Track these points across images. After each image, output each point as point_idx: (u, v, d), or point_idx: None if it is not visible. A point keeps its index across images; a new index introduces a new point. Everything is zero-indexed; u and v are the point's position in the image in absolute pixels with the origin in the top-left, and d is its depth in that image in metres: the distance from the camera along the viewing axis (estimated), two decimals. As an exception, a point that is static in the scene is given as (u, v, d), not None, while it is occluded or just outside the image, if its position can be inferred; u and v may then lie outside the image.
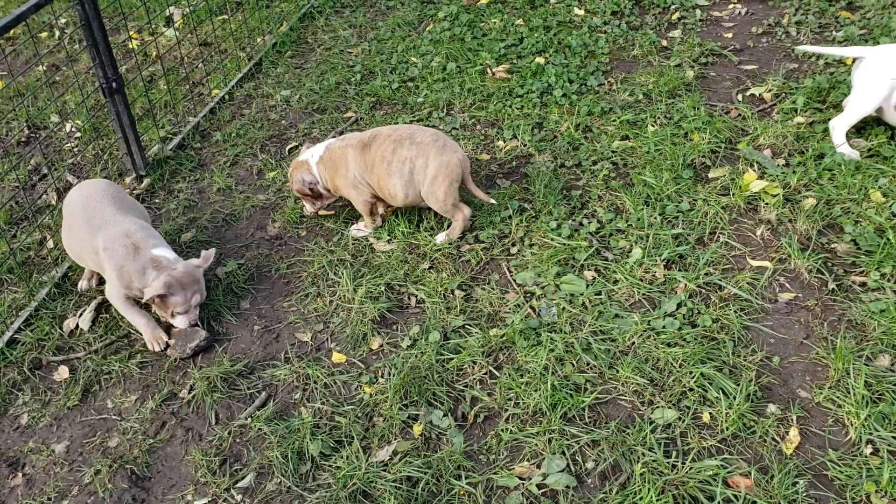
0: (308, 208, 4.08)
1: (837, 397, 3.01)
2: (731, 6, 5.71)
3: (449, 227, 3.89)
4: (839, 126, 4.10)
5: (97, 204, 3.54)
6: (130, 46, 5.95)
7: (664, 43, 5.35)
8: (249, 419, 3.16)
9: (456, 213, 3.83)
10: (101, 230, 3.45)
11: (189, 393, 3.30)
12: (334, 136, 4.15)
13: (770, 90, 4.72)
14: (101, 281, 3.76)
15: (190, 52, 5.87)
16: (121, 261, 3.38)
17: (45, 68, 5.88)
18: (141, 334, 3.53)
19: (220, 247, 4.04)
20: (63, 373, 3.45)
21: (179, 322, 3.45)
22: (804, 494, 2.71)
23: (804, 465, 2.81)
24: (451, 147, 3.73)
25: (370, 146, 3.79)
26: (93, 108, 5.22)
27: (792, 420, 2.96)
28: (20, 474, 3.08)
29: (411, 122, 4.83)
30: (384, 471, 2.91)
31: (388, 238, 3.96)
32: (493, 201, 3.95)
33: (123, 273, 3.39)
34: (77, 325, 3.65)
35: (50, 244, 4.12)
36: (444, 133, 4.00)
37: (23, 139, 5.10)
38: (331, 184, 3.95)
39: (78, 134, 5.08)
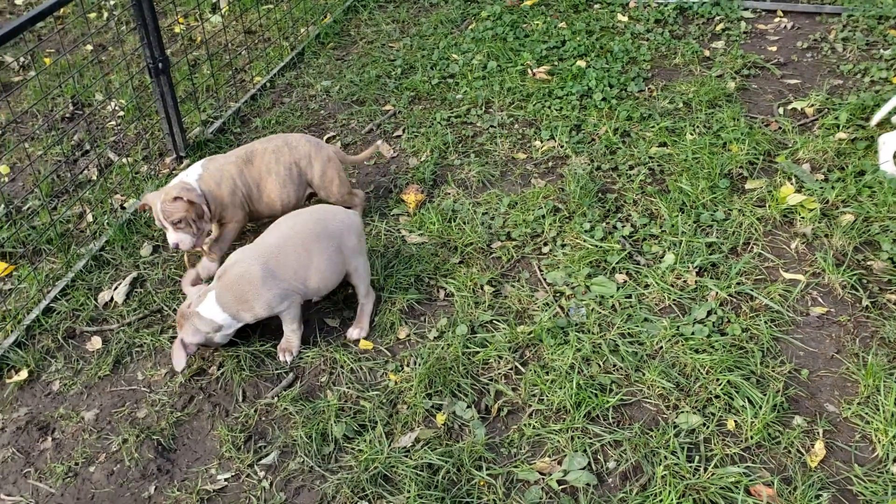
0: (186, 243, 3.56)
1: (866, 413, 2.98)
2: (777, 20, 5.67)
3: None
4: (890, 142, 4.05)
5: None
6: (176, 30, 6.04)
7: (707, 53, 5.32)
8: (276, 398, 3.20)
9: (353, 199, 4.01)
10: None
11: (218, 370, 3.35)
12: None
13: (812, 105, 4.68)
14: None
15: (234, 39, 5.95)
16: None
17: (92, 48, 5.98)
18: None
19: (255, 231, 4.08)
20: (96, 343, 3.51)
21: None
22: (827, 508, 2.69)
23: (828, 479, 2.79)
24: (321, 142, 3.90)
25: (252, 161, 3.74)
26: (136, 89, 5.31)
27: (818, 433, 2.94)
28: (50, 438, 3.14)
29: (449, 118, 4.85)
30: (406, 456, 2.93)
31: (420, 231, 3.98)
32: (384, 149, 4.21)
33: None
34: (112, 298, 3.71)
35: (89, 218, 4.20)
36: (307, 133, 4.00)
37: (67, 115, 5.20)
38: (218, 202, 3.67)
39: (121, 113, 5.17)
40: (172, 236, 3.52)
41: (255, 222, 3.98)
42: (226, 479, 2.93)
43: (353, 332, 3.43)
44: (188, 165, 4.51)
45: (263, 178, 3.76)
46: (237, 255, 3.29)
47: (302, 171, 3.81)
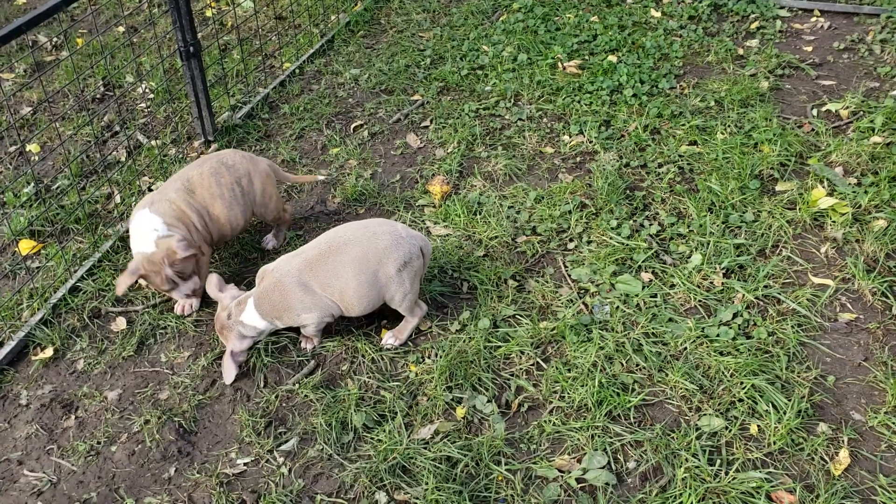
0: (197, 282, 3.48)
1: (893, 423, 2.93)
2: (814, 19, 5.58)
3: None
4: None
5: None
6: (207, 14, 6.06)
7: (740, 51, 5.25)
8: (297, 385, 3.21)
9: (285, 216, 3.86)
10: None
11: (240, 354, 3.36)
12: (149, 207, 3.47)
13: (847, 107, 4.60)
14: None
15: (265, 25, 5.96)
16: None
17: (124, 29, 6.02)
18: None
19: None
20: (120, 324, 3.54)
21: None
22: (850, 517, 2.66)
23: (852, 488, 2.75)
24: (255, 157, 3.74)
25: (193, 190, 3.52)
26: (167, 72, 5.33)
27: (843, 441, 2.90)
28: (73, 416, 3.17)
29: (478, 110, 4.83)
30: (424, 448, 2.92)
31: (445, 223, 3.97)
32: (320, 177, 4.15)
33: None
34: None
35: (117, 199, 4.23)
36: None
37: (98, 96, 5.23)
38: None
39: (151, 95, 5.20)
40: (188, 285, 3.43)
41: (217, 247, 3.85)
42: (245, 464, 2.95)
43: (388, 339, 3.36)
44: (214, 151, 4.53)
45: (210, 203, 3.54)
46: (278, 261, 3.27)
47: (244, 190, 3.61)
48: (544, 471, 2.85)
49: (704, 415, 3.00)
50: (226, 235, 3.66)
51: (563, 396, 3.11)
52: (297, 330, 3.42)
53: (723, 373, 3.14)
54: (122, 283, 3.33)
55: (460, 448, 2.92)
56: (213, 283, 3.32)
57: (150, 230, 3.38)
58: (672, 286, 3.55)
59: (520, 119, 4.73)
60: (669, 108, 4.67)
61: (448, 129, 4.67)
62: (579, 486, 2.81)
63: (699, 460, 2.83)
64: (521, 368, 3.24)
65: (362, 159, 4.50)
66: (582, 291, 3.57)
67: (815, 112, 4.63)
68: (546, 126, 4.67)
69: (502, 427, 3.00)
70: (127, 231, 3.92)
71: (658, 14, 5.73)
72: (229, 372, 3.21)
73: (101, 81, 5.32)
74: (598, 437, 2.94)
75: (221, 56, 5.34)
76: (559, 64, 5.18)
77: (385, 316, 3.48)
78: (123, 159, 4.58)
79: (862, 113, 4.56)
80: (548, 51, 5.33)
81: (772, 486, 2.74)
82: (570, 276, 3.65)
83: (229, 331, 3.22)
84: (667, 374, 3.16)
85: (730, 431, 2.93)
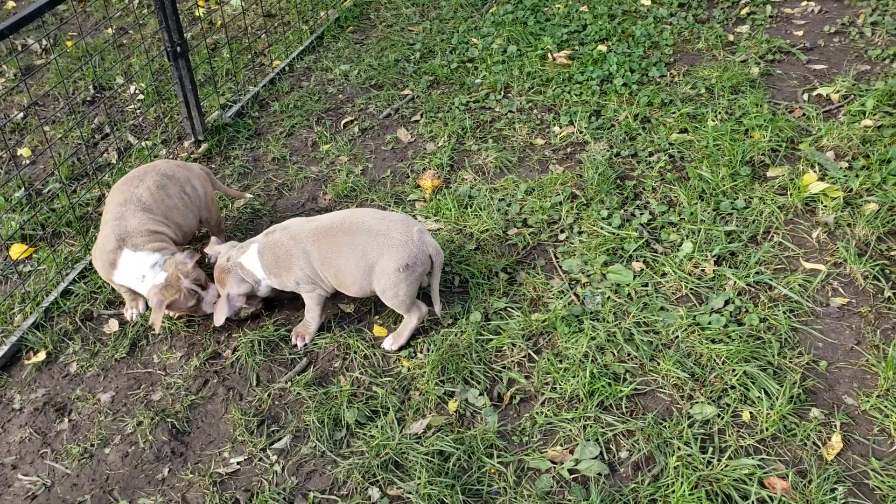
0: (209, 301, 3.37)
1: (885, 406, 2.93)
2: (804, 4, 5.56)
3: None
4: None
5: None
6: (196, 14, 6.05)
7: (730, 38, 5.23)
8: (289, 383, 3.21)
9: (223, 224, 3.85)
10: None
11: (232, 354, 3.36)
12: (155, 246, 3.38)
13: (838, 91, 4.59)
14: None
15: (254, 23, 5.94)
16: None
17: (113, 31, 6.01)
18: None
19: (272, 214, 4.09)
20: (113, 326, 3.54)
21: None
22: (842, 501, 2.65)
23: (844, 472, 2.75)
24: (189, 164, 3.70)
25: (151, 209, 3.41)
26: (156, 73, 5.33)
27: (835, 426, 2.89)
28: (66, 419, 3.17)
29: (468, 103, 4.82)
30: (417, 443, 2.93)
31: (436, 217, 3.96)
32: (248, 196, 4.12)
33: None
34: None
35: (108, 201, 4.23)
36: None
37: (88, 98, 5.23)
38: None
39: (141, 96, 5.19)
40: (211, 293, 3.36)
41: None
42: (238, 463, 2.95)
43: (387, 343, 3.32)
44: (205, 151, 4.53)
45: (169, 216, 3.48)
46: (291, 220, 3.30)
47: (190, 196, 3.57)
48: (537, 462, 2.85)
49: (696, 403, 3.00)
50: (184, 244, 3.69)
51: (555, 388, 3.10)
52: (290, 325, 3.42)
53: (715, 360, 3.14)
54: (156, 321, 3.24)
55: (453, 442, 2.92)
56: (212, 242, 3.48)
57: (148, 266, 3.31)
58: (663, 275, 3.55)
59: (510, 111, 4.72)
60: (660, 96, 4.66)
61: (438, 122, 4.66)
62: (572, 476, 2.81)
63: (692, 448, 2.83)
64: (512, 361, 3.24)
65: (353, 155, 4.49)
66: (573, 282, 3.56)
67: (806, 97, 4.61)
68: (536, 117, 4.66)
69: (494, 420, 3.00)
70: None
71: (648, 2, 5.70)
72: (221, 313, 3.20)
73: (90, 83, 5.32)
74: (591, 427, 2.94)
75: (210, 55, 5.33)
76: (549, 55, 5.17)
77: (377, 311, 3.48)
78: (114, 161, 4.57)
79: (853, 96, 4.54)
80: (537, 42, 5.31)
81: (764, 473, 2.74)
82: (561, 267, 3.64)
83: (227, 273, 3.25)
84: (658, 363, 3.15)
85: (722, 419, 2.93)
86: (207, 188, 3.68)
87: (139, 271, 3.31)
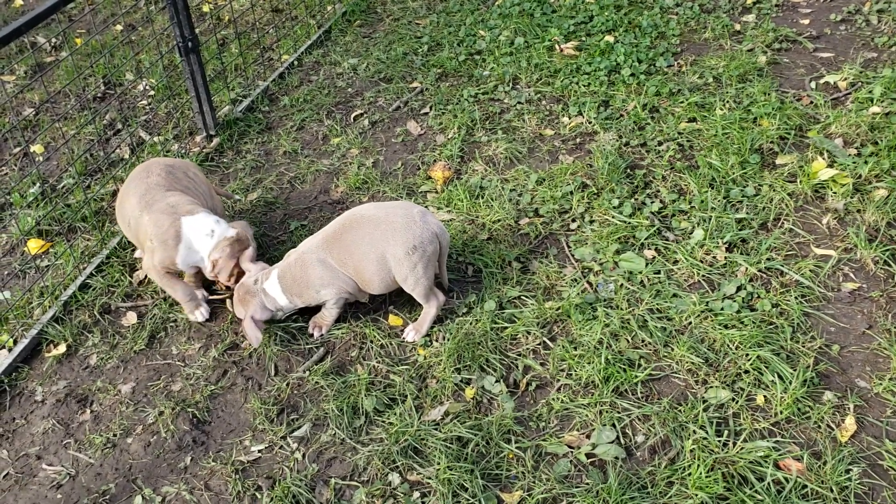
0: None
1: (897, 389, 2.96)
2: (810, -8, 5.58)
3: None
4: None
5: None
6: (205, 9, 6.08)
7: (737, 27, 5.25)
8: (307, 373, 3.25)
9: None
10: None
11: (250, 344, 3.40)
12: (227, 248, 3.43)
13: (846, 78, 4.61)
14: None
15: (262, 18, 5.97)
16: None
17: (122, 27, 6.04)
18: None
19: (284, 208, 4.13)
20: (131, 318, 3.58)
21: None
22: (857, 482, 2.69)
23: (859, 454, 2.78)
24: (173, 160, 3.70)
25: (149, 208, 3.40)
26: (166, 68, 5.36)
27: (848, 408, 2.93)
28: (88, 411, 3.22)
29: (476, 95, 4.85)
30: (435, 429, 2.97)
31: (448, 208, 4.00)
32: (236, 197, 4.09)
33: None
34: (146, 276, 3.78)
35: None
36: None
37: (99, 95, 5.26)
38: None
39: (151, 92, 5.22)
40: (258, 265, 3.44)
41: None
42: (259, 451, 2.99)
43: (409, 334, 3.36)
44: (217, 146, 4.57)
45: (188, 193, 3.53)
46: (303, 241, 3.37)
47: (193, 181, 3.61)
48: (554, 447, 2.89)
49: (711, 387, 3.03)
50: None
51: (571, 374, 3.14)
52: (307, 316, 3.46)
53: (728, 345, 3.17)
54: (223, 271, 3.41)
55: (470, 428, 2.96)
56: (247, 255, 3.43)
57: (213, 221, 3.40)
58: (675, 262, 3.58)
59: (519, 102, 4.75)
60: (667, 86, 4.69)
61: (448, 114, 4.70)
62: (589, 461, 2.85)
63: (707, 432, 2.87)
64: (527, 348, 3.27)
65: (364, 148, 4.53)
66: (586, 270, 3.60)
67: (813, 85, 4.64)
68: (545, 108, 4.69)
69: (511, 406, 3.04)
70: None
71: (654, -8, 5.72)
72: (255, 334, 3.24)
73: (101, 80, 5.35)
74: (606, 412, 2.98)
75: (220, 50, 5.36)
76: (556, 46, 5.19)
77: (392, 301, 3.52)
78: (127, 156, 4.61)
79: (860, 84, 4.56)
80: (545, 33, 5.33)
81: (779, 455, 2.78)
82: (573, 255, 3.67)
83: (253, 296, 3.29)
84: (672, 349, 3.19)
85: (736, 403, 2.97)
86: (204, 178, 3.75)
87: (206, 227, 3.38)
